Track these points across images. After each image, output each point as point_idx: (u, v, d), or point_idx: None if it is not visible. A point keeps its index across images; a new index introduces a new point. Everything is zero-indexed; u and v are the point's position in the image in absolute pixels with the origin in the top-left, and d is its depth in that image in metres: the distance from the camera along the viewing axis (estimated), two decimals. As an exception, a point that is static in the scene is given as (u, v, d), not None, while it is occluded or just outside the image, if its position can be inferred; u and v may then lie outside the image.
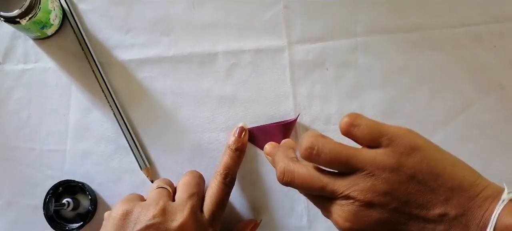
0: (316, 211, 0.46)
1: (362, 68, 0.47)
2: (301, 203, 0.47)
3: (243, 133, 0.45)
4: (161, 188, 0.42)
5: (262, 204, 0.47)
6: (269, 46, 0.47)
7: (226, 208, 0.43)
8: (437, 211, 0.30)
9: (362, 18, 0.47)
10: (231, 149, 0.44)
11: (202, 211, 0.41)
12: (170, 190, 0.42)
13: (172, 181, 0.47)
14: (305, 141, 0.33)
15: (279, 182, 0.35)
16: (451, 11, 0.47)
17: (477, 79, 0.46)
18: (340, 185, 0.31)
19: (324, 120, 0.47)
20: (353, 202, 0.31)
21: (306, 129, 0.47)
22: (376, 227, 0.31)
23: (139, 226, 0.37)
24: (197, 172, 0.44)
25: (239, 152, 0.44)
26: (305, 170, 0.33)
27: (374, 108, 0.46)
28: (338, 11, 0.48)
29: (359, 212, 0.31)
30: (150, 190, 0.42)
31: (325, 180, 0.32)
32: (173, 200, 0.41)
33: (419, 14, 0.47)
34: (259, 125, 0.46)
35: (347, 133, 0.33)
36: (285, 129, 0.45)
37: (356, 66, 0.47)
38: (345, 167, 0.32)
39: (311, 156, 0.32)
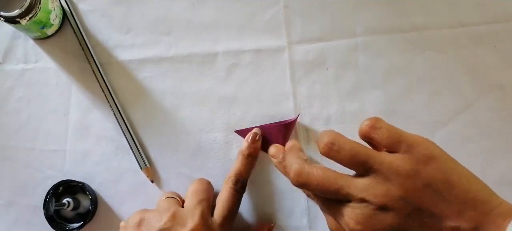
0: (316, 212, 0.46)
1: (362, 68, 0.47)
2: (301, 204, 0.47)
3: (257, 138, 0.45)
4: (170, 198, 0.42)
5: (262, 204, 0.47)
6: (269, 46, 0.48)
7: (237, 214, 0.43)
8: (450, 223, 0.30)
9: (362, 18, 0.47)
10: (244, 154, 0.44)
11: (212, 216, 0.41)
12: (179, 199, 0.43)
13: (173, 181, 0.47)
14: (326, 136, 0.33)
15: (293, 183, 0.34)
16: (451, 11, 0.47)
17: (477, 79, 0.46)
18: (356, 188, 0.32)
19: (324, 120, 0.47)
20: (367, 205, 0.31)
21: (306, 129, 0.47)
22: None
23: None
24: (205, 179, 0.44)
25: (251, 158, 0.44)
26: (320, 172, 0.33)
27: (374, 108, 0.46)
28: (338, 11, 0.48)
29: (372, 216, 0.31)
30: (158, 201, 0.43)
31: (340, 182, 0.32)
32: (183, 208, 0.41)
33: (419, 14, 0.47)
34: (259, 125, 0.46)
35: (367, 135, 0.33)
36: (285, 129, 0.45)
37: (356, 66, 0.47)
38: (362, 167, 0.32)
39: (332, 151, 0.33)
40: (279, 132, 0.45)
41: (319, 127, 0.47)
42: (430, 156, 0.31)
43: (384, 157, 0.32)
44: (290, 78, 0.47)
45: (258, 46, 0.48)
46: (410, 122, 0.46)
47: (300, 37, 0.47)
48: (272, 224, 0.46)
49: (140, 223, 0.39)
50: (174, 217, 0.38)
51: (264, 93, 0.47)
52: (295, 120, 0.46)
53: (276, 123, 0.46)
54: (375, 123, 0.33)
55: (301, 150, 0.41)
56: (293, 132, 0.46)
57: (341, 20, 0.47)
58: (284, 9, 0.48)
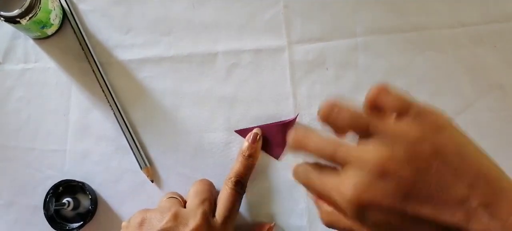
0: (317, 211, 0.46)
1: (362, 68, 0.47)
2: (301, 204, 0.46)
3: (258, 138, 0.45)
4: (171, 198, 0.42)
5: (262, 204, 0.47)
6: (269, 46, 0.48)
7: (237, 214, 0.43)
8: (459, 192, 0.27)
9: (362, 18, 0.47)
10: (244, 155, 0.44)
11: (214, 216, 0.41)
12: (180, 200, 0.43)
13: (173, 181, 0.47)
14: (326, 102, 0.31)
15: (290, 146, 0.32)
16: (451, 11, 0.47)
17: (477, 79, 0.46)
18: (355, 150, 0.28)
19: (324, 120, 0.47)
20: (368, 171, 0.27)
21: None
22: (386, 201, 0.27)
23: None
24: (207, 179, 0.45)
25: (252, 159, 0.44)
26: (317, 134, 0.31)
27: (374, 108, 0.46)
28: (338, 11, 0.48)
29: (372, 181, 0.27)
30: (159, 201, 0.43)
31: (339, 144, 0.29)
32: (185, 208, 0.41)
33: (419, 14, 0.47)
34: (259, 124, 0.46)
35: (376, 98, 0.30)
36: (284, 128, 0.45)
37: (356, 66, 0.47)
38: (365, 129, 0.29)
39: (332, 113, 0.30)
40: (278, 132, 0.45)
41: (319, 127, 0.46)
42: (442, 124, 0.29)
43: (390, 121, 0.29)
44: (290, 78, 0.47)
45: (258, 46, 0.48)
46: (410, 122, 0.46)
47: (300, 37, 0.47)
48: (272, 224, 0.46)
49: (142, 223, 0.39)
50: (176, 217, 0.38)
51: (264, 93, 0.47)
52: (295, 119, 0.46)
53: (275, 122, 0.46)
54: (385, 86, 0.30)
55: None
56: None
57: (341, 20, 0.47)
58: (284, 9, 0.48)
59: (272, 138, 0.45)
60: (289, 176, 0.42)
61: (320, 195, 0.32)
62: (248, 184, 0.44)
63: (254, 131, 0.45)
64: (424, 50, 0.47)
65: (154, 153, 0.47)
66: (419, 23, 0.47)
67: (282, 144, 0.46)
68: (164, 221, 0.38)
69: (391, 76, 0.47)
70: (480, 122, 0.46)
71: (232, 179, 0.43)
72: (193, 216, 0.39)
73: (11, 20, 0.42)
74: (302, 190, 0.46)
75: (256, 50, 0.48)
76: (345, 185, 0.28)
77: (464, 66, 0.47)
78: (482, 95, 0.46)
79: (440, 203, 0.27)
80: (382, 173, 0.27)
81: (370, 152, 0.28)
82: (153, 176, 0.47)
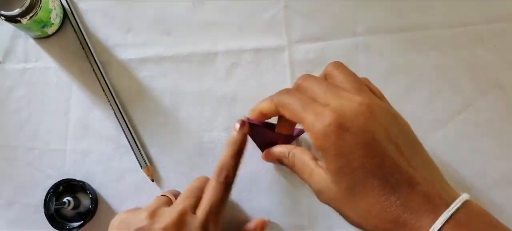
0: (317, 211, 0.46)
1: (362, 68, 0.47)
2: (302, 202, 0.46)
3: (244, 125, 0.41)
4: (161, 196, 0.42)
5: (263, 202, 0.47)
6: (269, 46, 0.48)
7: (225, 209, 0.40)
8: (420, 161, 0.32)
9: (362, 18, 0.47)
10: (228, 143, 0.41)
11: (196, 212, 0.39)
12: (171, 198, 0.41)
13: (173, 180, 0.47)
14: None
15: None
16: (451, 11, 0.47)
17: (477, 79, 0.46)
18: (345, 91, 0.34)
19: (324, 120, 0.47)
20: (357, 103, 0.32)
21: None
22: (365, 133, 0.31)
23: None
24: (205, 177, 0.42)
25: (236, 147, 0.40)
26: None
27: (374, 108, 0.46)
28: (338, 11, 0.48)
29: (361, 111, 0.31)
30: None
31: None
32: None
33: (419, 14, 0.47)
34: (259, 124, 0.45)
35: (329, 72, 0.36)
36: (284, 138, 0.43)
37: (356, 66, 0.47)
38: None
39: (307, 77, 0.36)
40: (278, 138, 0.43)
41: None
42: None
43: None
44: (290, 77, 0.47)
45: (258, 46, 0.48)
46: (410, 121, 0.46)
47: (300, 36, 0.48)
48: (267, 220, 0.45)
49: (119, 224, 0.39)
50: (152, 216, 0.37)
51: (264, 92, 0.47)
52: (298, 134, 0.44)
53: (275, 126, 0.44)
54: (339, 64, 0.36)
55: None
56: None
57: (341, 20, 0.48)
58: (284, 8, 0.48)
59: (270, 140, 0.44)
60: (289, 175, 0.42)
61: (295, 116, 0.35)
62: (250, 183, 0.44)
63: (240, 118, 0.41)
64: (424, 50, 0.47)
65: (154, 152, 0.48)
66: (419, 23, 0.47)
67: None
68: (138, 220, 0.37)
69: (391, 76, 0.47)
70: (480, 121, 0.46)
71: (216, 169, 0.39)
72: (170, 213, 0.37)
73: (11, 19, 0.42)
74: (302, 189, 0.46)
75: (256, 49, 0.48)
76: (333, 107, 0.32)
77: (464, 66, 0.47)
78: (482, 95, 0.46)
79: (407, 159, 0.31)
80: (369, 110, 0.31)
81: (359, 96, 0.32)
82: (154, 175, 0.47)
